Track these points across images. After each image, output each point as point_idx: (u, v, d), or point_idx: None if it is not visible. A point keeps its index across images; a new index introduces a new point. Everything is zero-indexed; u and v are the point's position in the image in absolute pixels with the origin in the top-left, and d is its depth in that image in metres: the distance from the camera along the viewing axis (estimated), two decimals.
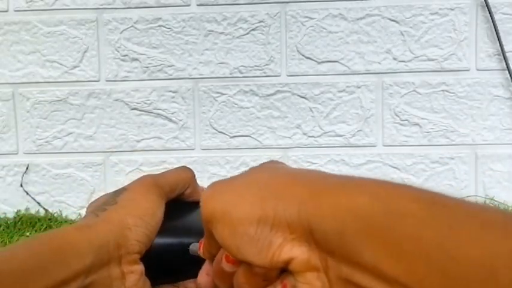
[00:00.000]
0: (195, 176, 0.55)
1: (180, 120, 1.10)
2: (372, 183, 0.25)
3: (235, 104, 1.09)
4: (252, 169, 0.35)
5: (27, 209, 1.09)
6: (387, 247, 0.22)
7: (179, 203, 0.55)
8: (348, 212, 0.25)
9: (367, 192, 0.25)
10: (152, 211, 0.46)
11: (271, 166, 0.36)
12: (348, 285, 0.25)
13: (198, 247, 0.43)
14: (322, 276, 0.27)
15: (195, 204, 0.56)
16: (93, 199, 1.15)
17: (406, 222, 0.22)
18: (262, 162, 0.39)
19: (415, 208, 0.23)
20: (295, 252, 0.27)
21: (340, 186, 0.27)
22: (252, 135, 1.10)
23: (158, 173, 0.54)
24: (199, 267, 0.48)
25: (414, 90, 1.09)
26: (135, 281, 0.43)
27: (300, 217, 0.27)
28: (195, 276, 0.51)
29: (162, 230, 0.50)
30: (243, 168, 1.09)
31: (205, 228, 0.35)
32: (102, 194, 1.24)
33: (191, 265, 0.49)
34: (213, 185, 0.35)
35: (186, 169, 0.54)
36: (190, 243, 0.45)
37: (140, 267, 0.44)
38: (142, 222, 0.45)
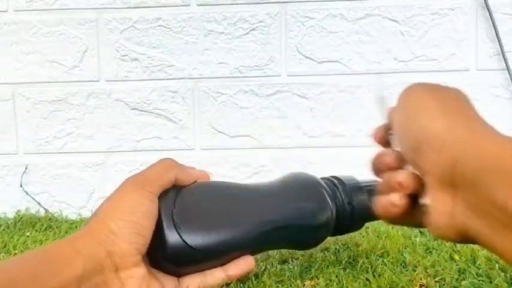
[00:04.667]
0: (177, 162, 0.54)
1: (180, 120, 1.10)
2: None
3: (235, 104, 1.09)
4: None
5: (27, 209, 1.09)
6: None
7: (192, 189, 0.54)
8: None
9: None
10: (131, 209, 0.44)
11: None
12: (473, 213, 0.32)
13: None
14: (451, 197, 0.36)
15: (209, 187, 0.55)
16: (93, 199, 1.16)
17: None
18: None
19: None
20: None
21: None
22: (252, 135, 1.10)
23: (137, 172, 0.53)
24: None
25: None
26: (137, 285, 0.42)
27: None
28: None
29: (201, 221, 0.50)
30: (243, 169, 1.09)
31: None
32: (102, 194, 1.25)
33: None
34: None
35: (164, 159, 0.54)
36: None
37: (141, 271, 0.43)
38: (125, 223, 0.43)
